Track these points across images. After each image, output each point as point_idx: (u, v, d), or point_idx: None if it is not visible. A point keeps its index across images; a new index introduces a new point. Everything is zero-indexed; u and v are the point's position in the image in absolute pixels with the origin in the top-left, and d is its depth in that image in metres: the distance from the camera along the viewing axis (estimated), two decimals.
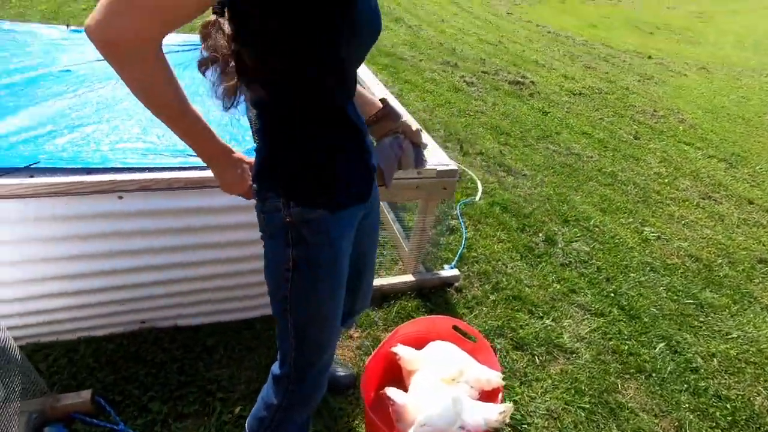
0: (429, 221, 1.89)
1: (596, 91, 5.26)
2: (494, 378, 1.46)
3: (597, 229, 2.75)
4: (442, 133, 3.63)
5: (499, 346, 1.85)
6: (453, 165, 1.74)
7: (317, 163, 0.83)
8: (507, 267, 2.31)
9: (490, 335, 1.89)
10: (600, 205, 3.00)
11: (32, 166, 1.30)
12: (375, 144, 1.05)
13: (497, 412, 1.34)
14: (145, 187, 1.31)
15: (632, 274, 2.42)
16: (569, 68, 6.01)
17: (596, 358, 1.89)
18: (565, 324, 2.03)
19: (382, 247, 2.27)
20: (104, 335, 1.61)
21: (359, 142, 0.89)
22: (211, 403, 1.47)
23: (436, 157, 1.78)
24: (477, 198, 2.83)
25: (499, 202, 2.83)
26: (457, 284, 2.11)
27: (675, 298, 2.31)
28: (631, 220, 2.90)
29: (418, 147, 1.16)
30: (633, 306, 2.19)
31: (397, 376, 1.51)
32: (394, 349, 1.50)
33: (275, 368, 1.05)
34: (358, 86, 0.93)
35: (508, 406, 1.37)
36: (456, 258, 2.28)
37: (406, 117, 1.68)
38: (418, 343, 1.56)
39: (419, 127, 1.25)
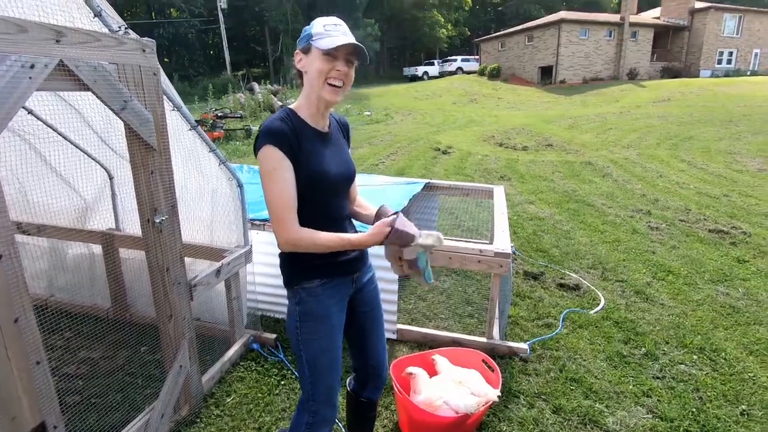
0: (494, 293, 2.53)
1: None
2: (491, 392, 1.95)
3: (724, 361, 2.55)
4: (588, 262, 3.97)
5: (536, 408, 2.18)
6: (508, 250, 2.44)
7: (308, 257, 1.33)
8: (585, 361, 2.54)
9: (533, 398, 2.24)
10: (751, 347, 2.72)
11: None
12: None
13: (476, 402, 1.85)
14: None
15: (742, 406, 2.20)
16: None
17: None
18: (618, 413, 2.14)
19: (480, 313, 2.91)
20: None
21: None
22: None
23: (500, 244, 2.51)
24: (592, 311, 3.10)
25: (615, 318, 3.01)
26: (523, 356, 2.53)
27: None
28: None
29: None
30: None
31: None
32: (435, 357, 2.19)
33: (300, 397, 1.43)
34: (359, 207, 1.53)
35: (486, 400, 1.85)
36: (536, 339, 2.68)
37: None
38: (452, 361, 2.19)
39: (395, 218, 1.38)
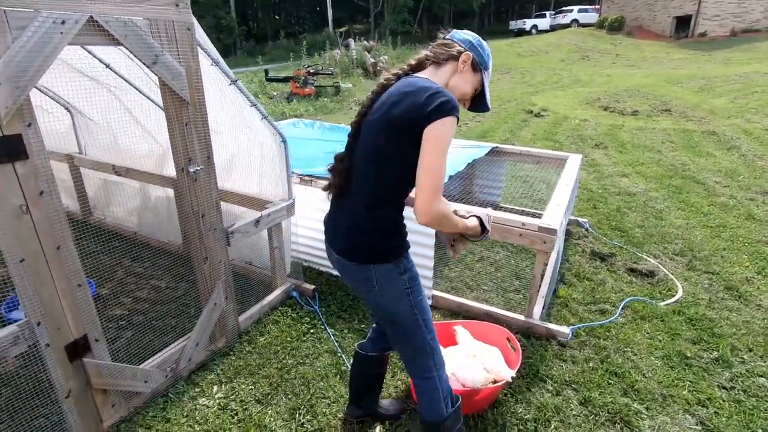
0: (537, 269, 2.34)
1: None
2: (506, 372, 1.85)
3: None
4: (676, 247, 3.45)
5: (562, 396, 2.02)
6: (554, 225, 2.21)
7: (402, 229, 1.39)
8: (635, 356, 2.27)
9: (561, 385, 2.08)
10: None
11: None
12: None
13: (484, 378, 1.78)
14: None
15: None
16: None
17: None
18: (658, 418, 1.90)
19: (527, 290, 2.75)
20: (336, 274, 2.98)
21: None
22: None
23: (548, 218, 2.29)
24: (663, 302, 2.73)
25: (690, 314, 2.61)
26: (562, 340, 2.34)
27: None
28: None
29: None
30: None
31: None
32: (456, 327, 2.13)
33: (420, 383, 1.46)
34: None
35: (497, 379, 1.76)
36: (582, 325, 2.46)
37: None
38: (474, 335, 2.11)
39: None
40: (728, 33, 20.43)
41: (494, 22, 36.62)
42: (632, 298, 2.75)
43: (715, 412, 1.93)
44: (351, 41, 16.25)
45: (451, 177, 3.28)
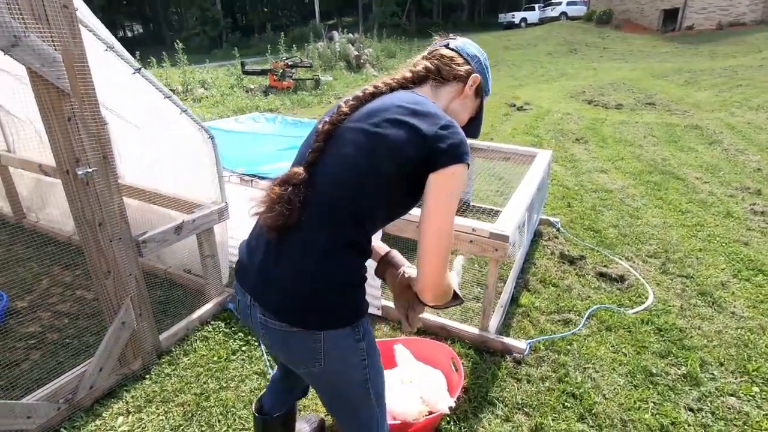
0: (490, 279, 2.12)
1: None
2: (443, 402, 1.63)
3: None
4: (650, 248, 3.26)
5: (512, 422, 1.81)
6: (507, 231, 1.99)
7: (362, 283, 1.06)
8: (597, 373, 2.07)
9: (512, 410, 1.87)
10: None
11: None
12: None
13: (417, 411, 1.56)
14: None
15: None
16: None
17: None
18: None
19: (477, 300, 2.54)
20: None
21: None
22: None
23: (501, 224, 2.07)
24: (632, 310, 2.53)
25: (659, 323, 2.42)
26: (517, 356, 2.13)
27: None
28: None
29: None
30: None
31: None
32: (396, 346, 1.90)
33: None
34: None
35: (431, 411, 1.55)
36: (540, 338, 2.25)
37: None
38: (417, 354, 1.89)
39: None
40: (715, 26, 20.38)
41: (484, 14, 36.26)
42: (598, 306, 2.55)
43: None
44: (335, 33, 15.88)
45: None
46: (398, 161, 0.95)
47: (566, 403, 1.90)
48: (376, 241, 1.27)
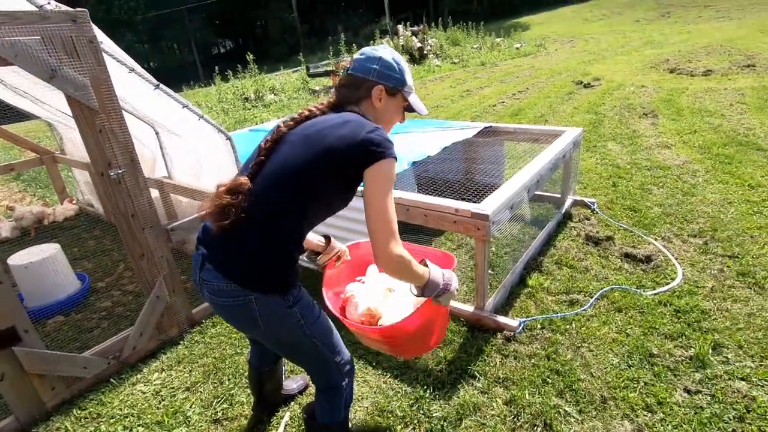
0: (479, 258, 2.17)
1: None
2: (388, 318, 1.45)
3: None
4: (695, 227, 2.98)
5: (489, 394, 1.87)
6: (487, 211, 2.03)
7: (295, 257, 1.25)
8: (591, 353, 2.02)
9: (491, 383, 1.91)
10: None
11: None
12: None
13: (359, 313, 1.47)
14: None
15: None
16: None
17: None
18: (586, 423, 1.68)
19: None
20: None
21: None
22: None
23: (486, 204, 2.10)
24: (650, 291, 2.39)
25: (680, 304, 2.26)
26: (508, 334, 2.15)
27: None
28: None
29: None
30: None
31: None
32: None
33: (324, 391, 1.41)
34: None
35: (374, 324, 1.47)
36: (535, 317, 2.24)
37: None
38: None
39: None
40: None
41: None
42: (613, 286, 2.44)
43: (661, 419, 1.67)
44: (399, 28, 16.04)
45: (419, 163, 3.16)
46: (335, 162, 1.17)
47: (548, 379, 1.90)
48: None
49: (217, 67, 11.10)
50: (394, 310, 1.47)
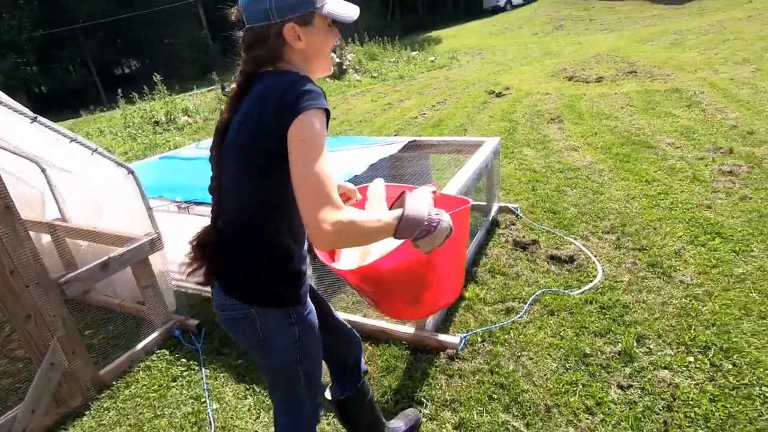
0: None
1: None
2: (373, 258, 1.36)
3: (733, 367, 1.85)
4: (607, 224, 3.21)
5: (438, 420, 1.81)
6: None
7: (300, 270, 1.17)
8: (530, 360, 2.05)
9: (440, 408, 1.86)
10: None
11: None
12: None
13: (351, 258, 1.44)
14: None
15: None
16: None
17: None
18: None
19: None
20: None
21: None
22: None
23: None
24: (576, 291, 2.50)
25: (604, 301, 2.38)
26: (450, 352, 2.12)
27: None
28: None
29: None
30: None
31: None
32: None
33: (286, 421, 1.27)
34: None
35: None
36: (474, 332, 2.24)
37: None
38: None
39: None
40: None
41: (469, 1, 36.01)
42: (543, 291, 2.52)
43: (601, 420, 1.71)
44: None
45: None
46: (279, 136, 0.96)
47: (494, 395, 1.88)
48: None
49: (120, 90, 10.19)
50: (383, 250, 1.30)
